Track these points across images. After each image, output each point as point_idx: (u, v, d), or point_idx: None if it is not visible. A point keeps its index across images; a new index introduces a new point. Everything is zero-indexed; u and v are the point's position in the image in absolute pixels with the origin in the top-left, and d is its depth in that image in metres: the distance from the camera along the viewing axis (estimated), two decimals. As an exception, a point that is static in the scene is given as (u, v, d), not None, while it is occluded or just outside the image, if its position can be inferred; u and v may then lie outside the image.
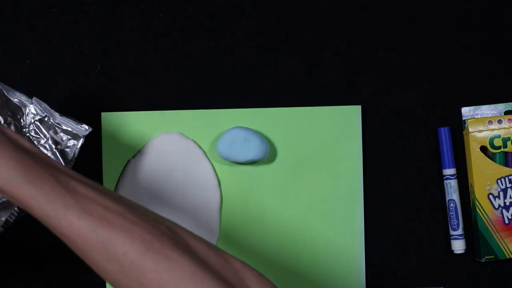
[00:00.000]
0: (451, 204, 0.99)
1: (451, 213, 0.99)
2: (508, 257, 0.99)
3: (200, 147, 0.99)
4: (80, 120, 0.98)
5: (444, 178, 0.99)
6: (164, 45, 0.99)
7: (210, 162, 0.99)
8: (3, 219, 0.85)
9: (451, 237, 0.99)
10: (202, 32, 0.99)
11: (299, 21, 1.00)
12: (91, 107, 0.99)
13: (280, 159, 0.99)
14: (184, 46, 0.99)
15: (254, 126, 0.99)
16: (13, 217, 0.85)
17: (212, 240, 0.98)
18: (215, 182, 0.98)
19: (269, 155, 0.99)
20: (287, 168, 0.99)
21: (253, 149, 0.96)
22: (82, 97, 0.99)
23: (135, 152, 0.99)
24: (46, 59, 0.99)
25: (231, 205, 0.99)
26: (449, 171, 0.99)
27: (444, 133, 0.99)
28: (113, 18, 0.99)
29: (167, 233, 0.72)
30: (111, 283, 0.72)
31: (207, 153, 0.99)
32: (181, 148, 0.98)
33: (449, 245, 1.00)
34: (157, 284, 0.70)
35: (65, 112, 0.98)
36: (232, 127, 0.99)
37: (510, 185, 0.98)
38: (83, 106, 0.99)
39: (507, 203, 0.98)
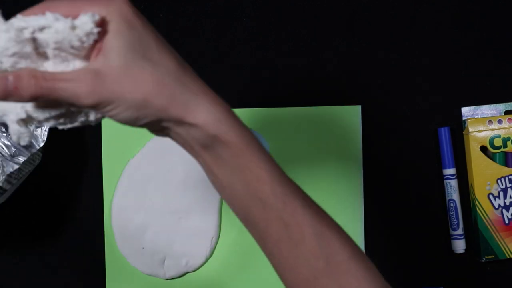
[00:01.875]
0: (451, 204, 0.99)
1: (451, 213, 0.99)
2: (508, 257, 0.98)
3: (200, 147, 0.99)
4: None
5: (444, 178, 0.99)
6: (164, 45, 0.99)
7: (210, 162, 0.98)
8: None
9: (451, 237, 0.99)
10: (202, 32, 0.99)
11: (299, 21, 1.00)
12: (91, 107, 0.99)
13: (280, 159, 0.99)
14: (184, 46, 0.99)
15: (254, 126, 0.99)
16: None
17: (212, 240, 0.98)
18: (215, 182, 0.98)
19: (269, 155, 0.99)
20: (286, 168, 0.99)
21: (253, 149, 0.96)
22: (82, 97, 0.99)
23: (135, 152, 0.99)
24: (46, 59, 0.98)
25: (231, 205, 0.99)
26: (449, 171, 0.99)
27: (444, 133, 0.99)
28: (113, 18, 0.99)
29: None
30: (302, 281, 0.69)
31: (207, 153, 0.99)
32: (181, 148, 0.98)
33: (449, 245, 1.00)
34: None
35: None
36: (232, 127, 0.99)
37: (510, 185, 0.98)
38: (83, 106, 0.99)
39: (507, 203, 0.98)
